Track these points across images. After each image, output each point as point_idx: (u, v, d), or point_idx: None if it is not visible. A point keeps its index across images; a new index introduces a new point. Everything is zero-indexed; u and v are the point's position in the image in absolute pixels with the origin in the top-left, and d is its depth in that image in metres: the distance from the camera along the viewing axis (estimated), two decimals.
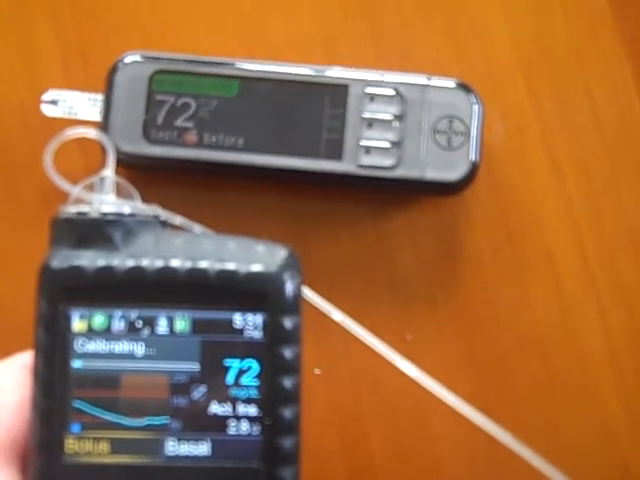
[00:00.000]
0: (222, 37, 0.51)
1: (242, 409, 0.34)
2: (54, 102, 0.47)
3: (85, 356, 0.34)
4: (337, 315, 0.44)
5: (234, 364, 0.34)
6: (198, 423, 0.34)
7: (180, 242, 0.35)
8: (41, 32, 0.51)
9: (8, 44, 0.51)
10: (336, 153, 0.46)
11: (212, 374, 0.34)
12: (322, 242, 0.49)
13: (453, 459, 0.48)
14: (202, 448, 0.34)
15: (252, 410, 0.34)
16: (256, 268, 0.34)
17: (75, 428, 0.34)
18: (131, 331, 0.34)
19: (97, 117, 0.47)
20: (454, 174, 0.46)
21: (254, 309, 0.34)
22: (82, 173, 0.38)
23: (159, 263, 0.34)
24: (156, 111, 0.46)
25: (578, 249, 0.49)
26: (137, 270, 0.34)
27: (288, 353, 0.34)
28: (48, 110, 0.47)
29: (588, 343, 0.49)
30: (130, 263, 0.34)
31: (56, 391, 0.34)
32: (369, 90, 0.47)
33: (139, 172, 0.47)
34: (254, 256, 0.35)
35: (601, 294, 0.49)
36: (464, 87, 0.47)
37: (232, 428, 0.34)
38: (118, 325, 0.34)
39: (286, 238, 0.37)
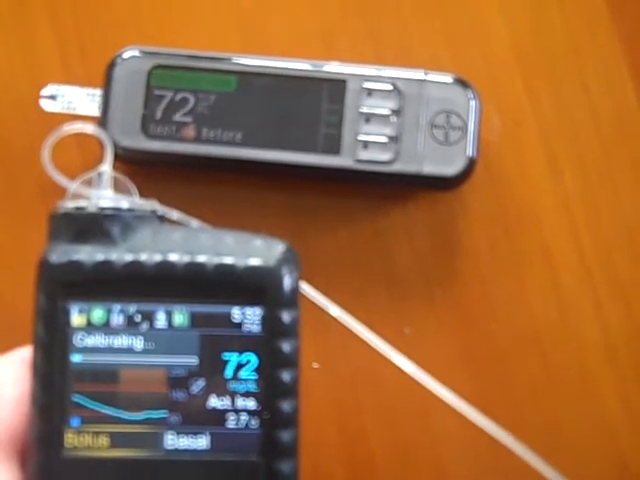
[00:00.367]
0: (220, 33, 0.51)
1: (241, 403, 0.34)
2: (53, 97, 0.47)
3: (84, 350, 0.34)
4: (334, 310, 0.44)
5: (233, 358, 0.34)
6: (197, 417, 0.34)
7: (178, 236, 0.36)
8: (40, 27, 0.51)
9: (7, 39, 0.51)
10: (334, 148, 0.46)
11: (211, 368, 0.34)
12: (320, 237, 0.49)
13: (451, 454, 0.48)
14: (201, 442, 0.34)
15: (251, 404, 0.34)
16: (254, 262, 0.34)
17: (74, 422, 0.34)
18: (130, 325, 0.34)
19: (96, 112, 0.47)
20: (451, 169, 0.46)
21: (252, 303, 0.34)
22: (80, 168, 0.38)
23: (157, 257, 0.34)
24: (154, 106, 0.47)
25: (575, 244, 0.49)
26: (135, 264, 0.34)
27: (286, 347, 0.34)
28: (47, 105, 0.47)
29: (585, 338, 0.49)
30: (128, 257, 0.34)
31: (55, 385, 0.34)
32: (367, 85, 0.47)
33: (137, 167, 0.47)
34: (252, 250, 0.35)
35: (598, 289, 0.49)
36: (461, 82, 0.47)
37: (231, 422, 0.34)
38: (117, 319, 0.34)
39: (284, 233, 0.37)
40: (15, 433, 0.35)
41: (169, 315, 0.34)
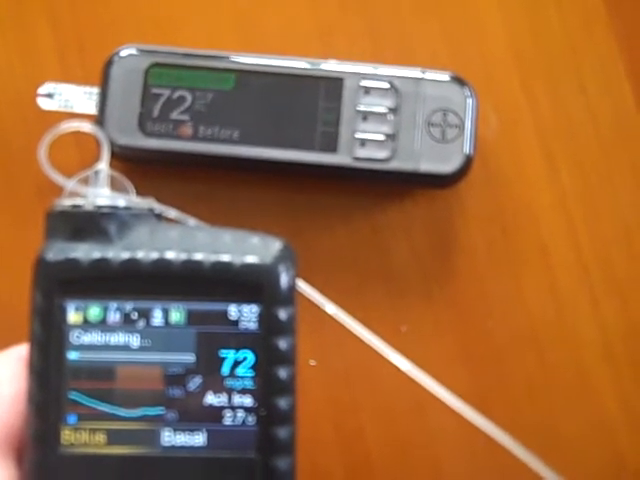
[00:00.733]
0: (218, 31, 0.51)
1: (237, 400, 0.34)
2: (50, 95, 0.47)
3: (81, 348, 0.34)
4: (331, 308, 0.44)
5: (229, 355, 0.34)
6: (194, 414, 0.34)
7: (175, 234, 0.36)
8: (38, 25, 0.51)
9: (5, 37, 0.51)
10: (331, 146, 0.46)
11: (207, 365, 0.35)
12: (317, 235, 0.49)
13: (448, 451, 0.48)
14: (198, 438, 0.34)
15: (247, 401, 0.34)
16: (251, 260, 0.34)
17: (71, 419, 0.34)
18: (126, 323, 0.34)
19: (93, 110, 0.47)
20: (448, 167, 0.46)
21: (249, 300, 0.34)
22: (77, 167, 0.38)
23: (154, 255, 0.34)
24: (152, 104, 0.47)
25: (572, 242, 0.49)
26: (132, 262, 0.34)
27: (283, 344, 0.34)
28: (44, 103, 0.47)
29: (582, 336, 0.49)
30: (125, 255, 0.34)
31: (52, 383, 0.34)
32: (364, 83, 0.47)
33: (134, 165, 0.47)
34: (249, 248, 0.35)
35: (595, 287, 0.49)
36: (458, 80, 0.47)
37: (228, 418, 0.34)
38: (113, 317, 0.34)
39: (281, 231, 0.37)
40: (11, 431, 0.35)
41: (166, 313, 0.34)
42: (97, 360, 0.34)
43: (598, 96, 0.50)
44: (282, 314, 0.34)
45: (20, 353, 0.36)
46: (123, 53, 0.47)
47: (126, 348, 0.34)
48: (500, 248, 0.49)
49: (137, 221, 0.36)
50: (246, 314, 0.34)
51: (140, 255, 0.34)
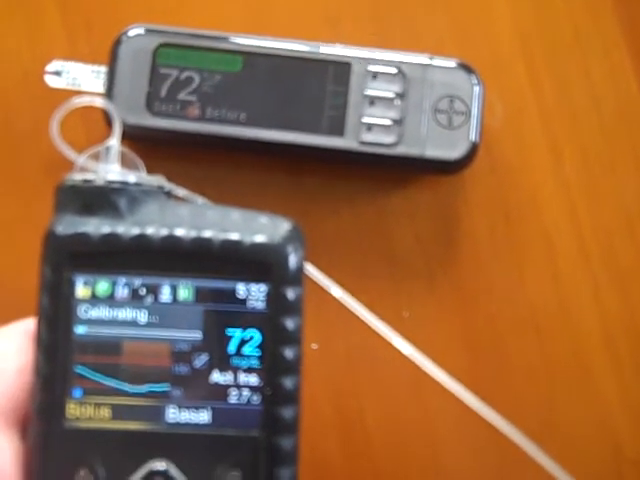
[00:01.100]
0: (227, 12, 0.51)
1: (243, 378, 0.34)
2: (58, 73, 0.47)
3: (88, 322, 0.34)
4: (336, 291, 0.44)
5: (236, 334, 0.35)
6: (199, 391, 0.35)
7: (185, 212, 0.36)
8: (46, 3, 0.51)
9: (13, 15, 0.51)
10: (338, 129, 0.46)
11: (214, 343, 0.35)
12: (322, 218, 0.49)
13: (447, 436, 0.49)
14: (203, 416, 0.34)
15: (253, 380, 0.34)
16: (260, 239, 0.34)
17: (77, 393, 0.34)
18: (134, 298, 0.35)
19: (100, 89, 0.47)
20: (454, 153, 0.46)
21: (257, 280, 0.35)
22: (84, 146, 0.38)
23: (164, 232, 0.34)
24: (159, 84, 0.47)
25: (575, 231, 0.50)
26: (142, 238, 0.34)
27: (290, 324, 0.34)
28: (52, 81, 0.47)
29: (583, 324, 0.49)
30: (135, 231, 0.34)
31: (58, 356, 0.34)
32: (372, 68, 0.47)
33: (141, 145, 0.47)
34: (258, 227, 0.35)
35: (597, 276, 0.49)
36: (465, 68, 0.47)
37: (233, 397, 0.34)
38: (122, 292, 0.35)
39: (287, 213, 0.37)
40: (16, 404, 0.35)
41: (174, 289, 0.35)
42: (104, 335, 0.34)
43: (603, 84, 0.51)
44: (290, 294, 0.34)
45: (26, 327, 0.36)
46: (131, 33, 0.47)
47: (133, 324, 0.35)
48: (503, 235, 0.50)
49: (147, 198, 0.36)
50: (254, 293, 0.35)
51: (150, 231, 0.34)
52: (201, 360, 0.35)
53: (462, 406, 0.45)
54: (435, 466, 0.49)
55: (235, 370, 0.35)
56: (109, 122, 0.43)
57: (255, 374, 0.35)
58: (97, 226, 0.34)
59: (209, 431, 0.34)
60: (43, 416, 0.34)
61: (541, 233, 0.50)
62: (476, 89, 0.47)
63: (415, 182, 0.50)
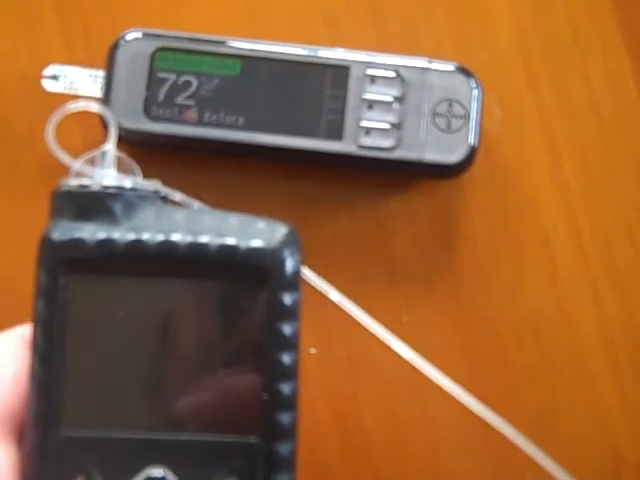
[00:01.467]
0: (225, 16, 0.51)
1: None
2: (55, 77, 0.47)
3: None
4: (334, 295, 0.44)
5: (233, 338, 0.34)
6: None
7: (181, 217, 0.35)
8: (43, 7, 0.51)
9: (10, 18, 0.51)
10: (336, 133, 0.46)
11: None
12: (321, 223, 0.49)
13: (447, 440, 0.48)
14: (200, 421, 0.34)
15: (250, 385, 0.34)
16: (257, 244, 0.34)
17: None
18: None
19: (98, 93, 0.47)
20: (453, 157, 0.46)
21: (254, 284, 0.34)
22: (81, 150, 0.38)
23: (160, 237, 0.34)
24: (157, 88, 0.46)
25: (574, 234, 0.49)
26: (138, 243, 0.34)
27: (287, 329, 0.34)
28: (49, 85, 0.47)
29: (582, 328, 0.49)
30: (131, 236, 0.34)
31: (55, 363, 0.34)
32: (370, 72, 0.47)
33: (139, 149, 0.47)
34: (255, 232, 0.35)
35: (596, 279, 0.49)
36: (464, 71, 0.47)
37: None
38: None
39: (285, 218, 0.36)
40: (12, 412, 0.34)
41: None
42: None
43: (602, 87, 0.50)
44: (287, 299, 0.34)
45: (22, 333, 0.35)
46: (129, 37, 0.47)
47: None
48: (502, 239, 0.50)
49: (143, 203, 0.36)
50: (250, 298, 0.34)
51: (146, 236, 0.34)
52: None
53: (462, 409, 0.45)
54: (434, 470, 0.49)
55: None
56: (106, 126, 0.42)
57: (252, 379, 0.34)
58: (93, 232, 0.34)
59: (206, 437, 0.34)
60: (39, 423, 0.34)
61: (540, 236, 0.49)
62: (475, 92, 0.47)
63: (414, 186, 0.50)
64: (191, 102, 0.46)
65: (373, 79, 0.47)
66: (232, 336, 0.34)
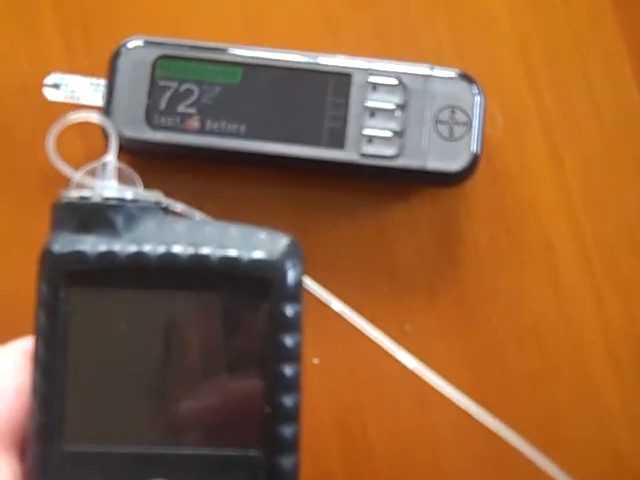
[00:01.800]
0: (226, 24, 0.51)
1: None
2: (56, 86, 0.47)
3: None
4: (337, 305, 0.44)
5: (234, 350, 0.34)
6: None
7: (182, 228, 0.35)
8: (45, 15, 0.51)
9: (11, 27, 0.51)
10: (338, 141, 0.46)
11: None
12: (323, 231, 0.49)
13: (451, 450, 0.48)
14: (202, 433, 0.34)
15: (252, 397, 0.34)
16: (258, 255, 0.34)
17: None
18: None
19: (99, 102, 0.47)
20: (455, 164, 0.46)
21: (256, 296, 0.34)
22: (82, 160, 0.38)
23: (161, 249, 0.34)
24: (159, 97, 0.46)
25: (577, 241, 0.49)
26: (139, 255, 0.34)
27: (289, 341, 0.34)
28: (50, 94, 0.47)
29: (585, 334, 0.49)
30: (132, 248, 0.34)
31: (56, 376, 0.34)
32: (372, 79, 0.46)
33: (141, 158, 0.47)
34: (256, 243, 0.35)
35: (599, 286, 0.49)
36: (466, 78, 0.47)
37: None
38: None
39: (287, 227, 0.36)
40: (14, 425, 0.34)
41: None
42: None
43: (604, 93, 0.50)
44: (289, 310, 0.34)
45: (24, 346, 0.35)
46: (130, 45, 0.47)
47: None
48: (505, 246, 0.49)
49: (144, 214, 0.36)
50: (252, 310, 0.34)
51: (147, 248, 0.34)
52: None
53: (465, 418, 0.45)
54: (438, 479, 0.48)
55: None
56: (107, 136, 0.42)
57: (254, 392, 0.34)
58: (94, 244, 0.34)
59: (208, 451, 0.34)
60: (41, 437, 0.34)
61: (543, 242, 0.49)
62: (477, 99, 0.47)
63: (416, 195, 0.49)
64: (193, 110, 0.46)
65: (375, 86, 0.46)
66: (234, 348, 0.34)
